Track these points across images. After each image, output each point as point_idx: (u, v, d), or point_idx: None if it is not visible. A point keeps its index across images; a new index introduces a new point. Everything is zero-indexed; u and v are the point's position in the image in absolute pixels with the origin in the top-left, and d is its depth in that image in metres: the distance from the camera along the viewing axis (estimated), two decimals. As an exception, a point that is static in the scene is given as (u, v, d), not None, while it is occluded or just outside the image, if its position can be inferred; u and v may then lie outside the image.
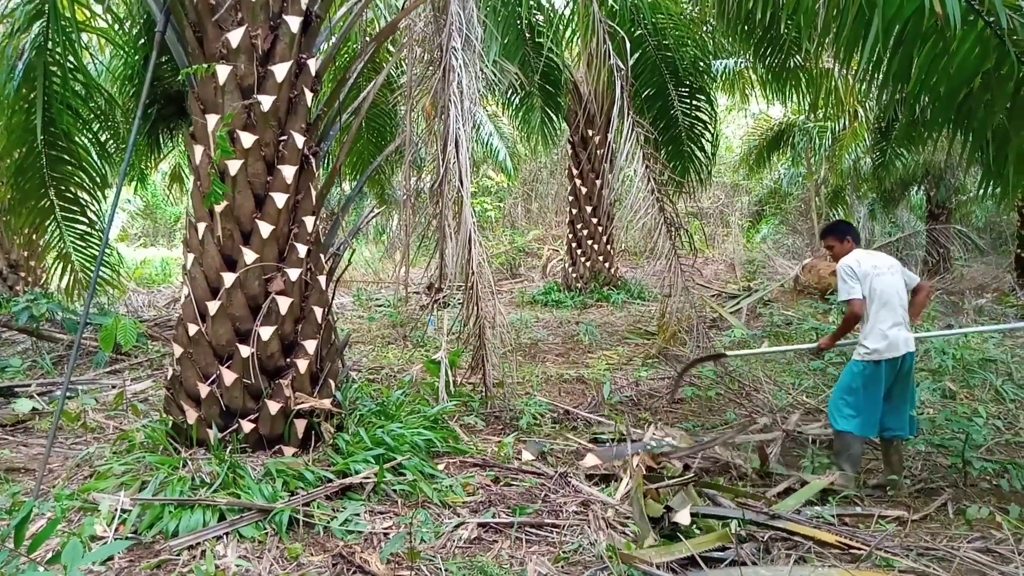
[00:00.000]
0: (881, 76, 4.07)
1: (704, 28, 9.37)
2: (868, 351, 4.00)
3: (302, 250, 4.06)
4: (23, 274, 10.20)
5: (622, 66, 5.60)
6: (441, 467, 4.19)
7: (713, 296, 11.39)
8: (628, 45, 6.04)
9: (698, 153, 9.07)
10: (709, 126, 9.06)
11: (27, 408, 5.18)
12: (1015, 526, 3.43)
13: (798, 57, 7.23)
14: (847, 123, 11.62)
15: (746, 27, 5.88)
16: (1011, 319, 9.43)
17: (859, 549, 3.14)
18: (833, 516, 3.55)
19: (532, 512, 3.64)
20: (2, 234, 9.99)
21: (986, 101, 3.69)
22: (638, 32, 8.31)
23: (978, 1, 3.43)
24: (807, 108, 10.54)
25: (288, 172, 3.96)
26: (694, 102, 8.85)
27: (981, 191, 4.43)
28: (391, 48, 7.15)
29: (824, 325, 8.29)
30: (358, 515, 3.48)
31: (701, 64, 8.79)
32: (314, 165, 4.21)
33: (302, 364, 4.06)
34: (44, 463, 3.71)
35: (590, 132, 11.56)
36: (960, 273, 14.57)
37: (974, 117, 3.84)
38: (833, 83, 8.67)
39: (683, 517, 3.37)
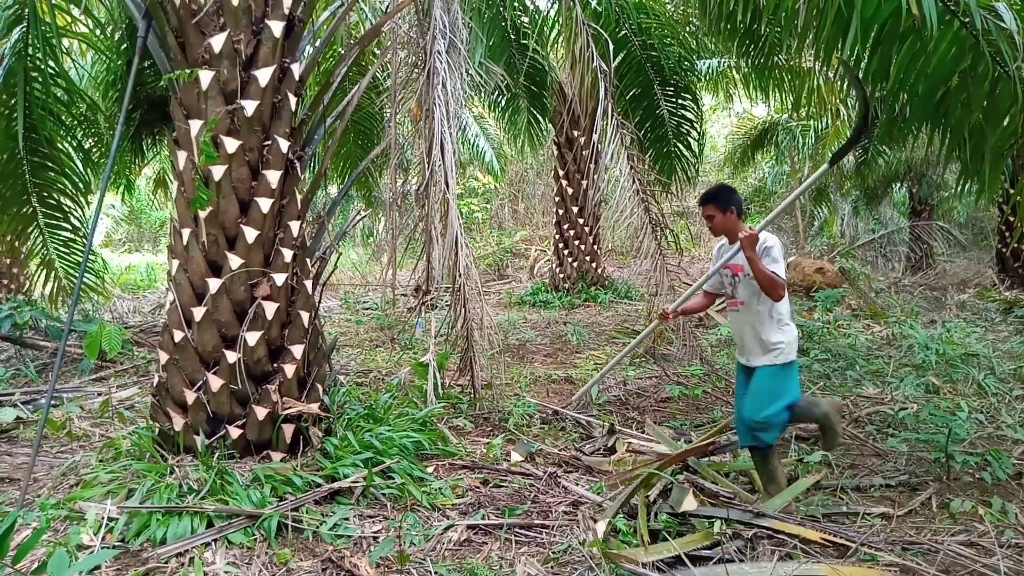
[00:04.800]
0: (861, 75, 4.12)
1: (688, 28, 9.44)
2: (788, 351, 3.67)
3: (288, 255, 4.06)
4: (6, 281, 10.12)
5: (606, 68, 5.63)
6: (430, 470, 4.20)
7: (700, 295, 11.43)
8: (612, 47, 6.08)
9: (685, 152, 9.13)
10: (695, 125, 9.12)
11: (11, 417, 5.13)
12: (997, 519, 3.48)
13: (781, 56, 7.30)
14: (829, 121, 11.73)
15: (728, 26, 5.92)
16: (993, 314, 9.55)
17: (845, 545, 3.18)
18: (819, 513, 3.58)
19: (521, 513, 3.65)
20: (-16, 241, 9.91)
21: (963, 100, 3.75)
22: (622, 33, 8.35)
23: (954, 2, 3.48)
24: (790, 107, 10.65)
25: (273, 177, 3.96)
26: (680, 101, 8.90)
27: (960, 188, 4.48)
28: (376, 51, 7.16)
29: (809, 322, 8.35)
30: (347, 519, 3.48)
31: (686, 63, 8.84)
32: (299, 169, 4.20)
33: (289, 369, 4.05)
34: (29, 472, 3.68)
35: (575, 133, 11.61)
36: (943, 269, 14.75)
37: (951, 115, 3.89)
38: (815, 82, 8.76)
39: (689, 504, 3.43)
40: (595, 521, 3.40)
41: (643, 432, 5.01)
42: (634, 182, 5.78)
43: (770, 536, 3.27)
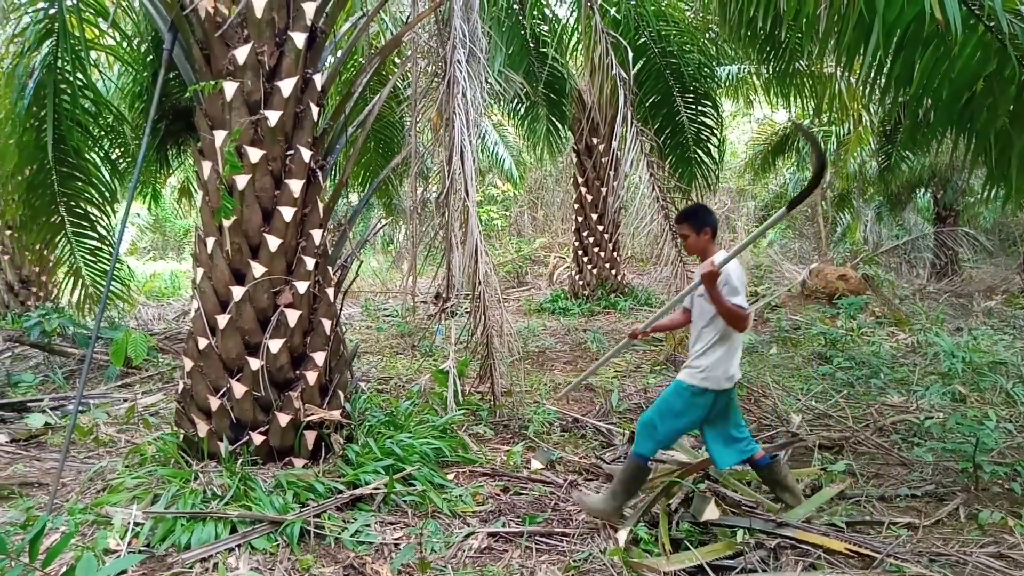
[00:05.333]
0: (883, 80, 4.08)
1: (707, 34, 9.41)
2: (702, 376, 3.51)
3: (310, 263, 4.10)
4: (34, 289, 10.31)
5: (625, 76, 5.63)
6: (451, 477, 4.21)
7: (721, 302, 11.36)
8: (631, 54, 6.07)
9: (704, 158, 9.09)
10: (715, 131, 9.08)
11: (40, 423, 5.23)
12: (1027, 530, 3.42)
13: (802, 62, 7.25)
14: (851, 127, 11.62)
15: (748, 32, 5.90)
16: (1021, 321, 9.38)
17: (870, 556, 3.14)
18: (842, 523, 3.54)
19: (542, 521, 3.65)
20: (14, 250, 10.12)
21: (988, 104, 3.69)
22: (641, 40, 8.34)
23: (979, 6, 3.44)
24: (811, 112, 10.57)
25: (295, 186, 4.00)
26: (700, 107, 8.87)
27: (986, 193, 4.42)
28: (396, 60, 7.22)
29: (832, 330, 8.27)
30: (368, 526, 3.50)
31: (706, 70, 8.82)
32: (321, 178, 4.25)
33: (311, 376, 4.08)
34: (57, 477, 3.74)
35: (595, 140, 11.60)
36: (969, 275, 14.53)
37: (977, 120, 3.84)
38: (837, 87, 8.68)
39: (711, 513, 3.39)
40: (616, 530, 3.38)
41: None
42: (654, 189, 5.77)
43: (793, 546, 3.24)
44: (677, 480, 3.75)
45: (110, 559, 3.11)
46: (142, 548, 3.23)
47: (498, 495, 4.04)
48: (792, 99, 8.73)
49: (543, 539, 3.45)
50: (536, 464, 4.49)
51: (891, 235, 16.37)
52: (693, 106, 8.85)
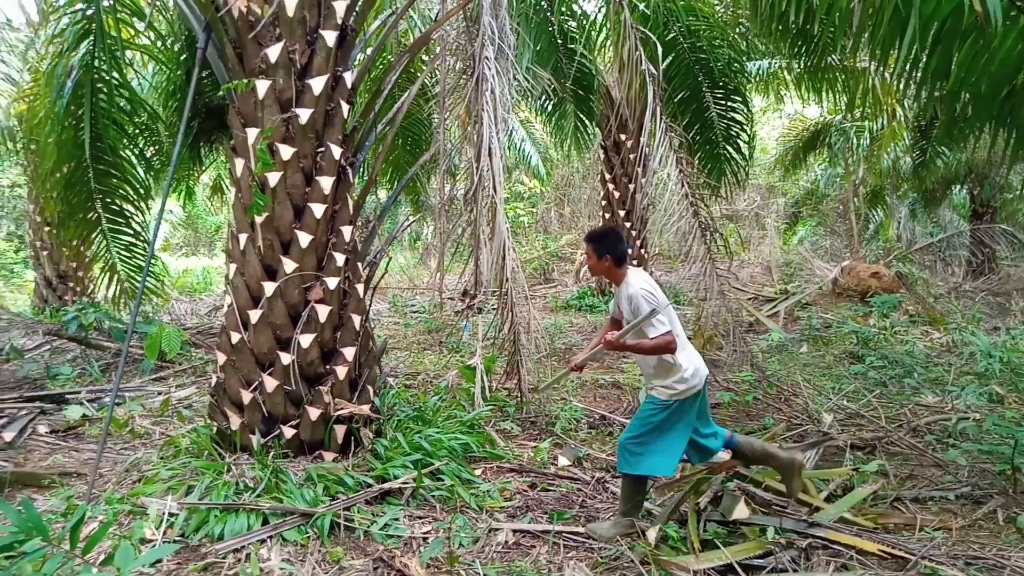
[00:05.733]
0: (919, 74, 4.00)
1: (737, 29, 9.30)
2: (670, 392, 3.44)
3: (340, 259, 4.14)
4: (71, 284, 10.56)
5: (654, 71, 5.58)
6: (478, 472, 4.23)
7: (749, 299, 11.26)
8: (660, 50, 6.01)
9: (734, 155, 8.99)
10: (745, 127, 8.97)
11: (78, 415, 5.35)
12: (1067, 534, 3.34)
13: (834, 56, 7.13)
14: (885, 122, 11.40)
15: (780, 27, 5.82)
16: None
17: (904, 558, 3.09)
18: (875, 524, 3.48)
19: (569, 518, 3.65)
20: (52, 246, 10.37)
21: (1030, 98, 3.61)
22: (671, 36, 8.27)
23: (1020, -3, 3.36)
24: (844, 107, 10.39)
25: (326, 183, 4.04)
26: (729, 103, 8.77)
27: (1026, 190, 4.31)
28: (424, 57, 7.25)
29: (864, 328, 8.14)
30: (397, 520, 3.53)
31: (736, 65, 8.71)
32: (351, 175, 4.29)
33: (341, 371, 4.13)
34: (95, 468, 3.83)
35: (622, 136, 11.54)
36: (1007, 273, 14.19)
37: (1018, 114, 3.75)
38: (870, 82, 8.54)
39: (740, 512, 3.37)
40: (645, 528, 3.37)
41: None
42: (683, 185, 5.72)
43: (825, 546, 3.20)
44: (706, 478, 3.72)
45: (146, 548, 3.18)
46: (177, 538, 3.30)
47: (525, 491, 4.05)
48: (824, 94, 8.61)
49: (571, 535, 3.45)
50: (563, 460, 4.49)
51: (925, 232, 16.04)
52: (723, 102, 8.75)
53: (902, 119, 10.91)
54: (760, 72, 10.86)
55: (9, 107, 8.82)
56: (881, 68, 4.68)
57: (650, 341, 3.31)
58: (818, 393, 6.01)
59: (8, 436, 4.83)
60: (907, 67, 3.98)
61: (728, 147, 8.94)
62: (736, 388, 6.21)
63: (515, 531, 3.49)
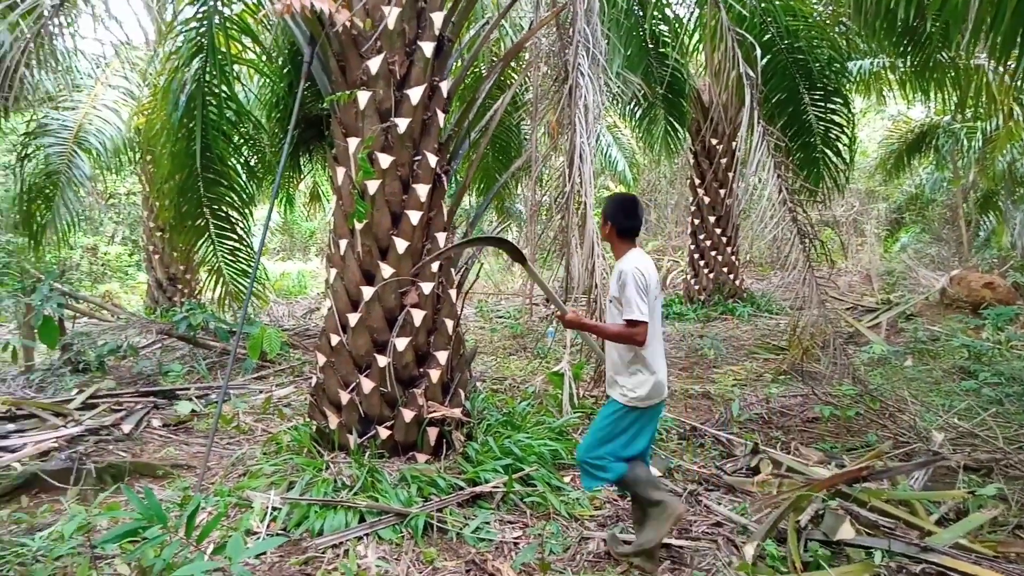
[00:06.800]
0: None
1: (837, 28, 8.94)
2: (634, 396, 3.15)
3: (435, 265, 4.22)
4: (180, 286, 11.22)
5: (751, 73, 5.43)
6: (567, 479, 4.21)
7: (848, 309, 10.77)
8: (758, 51, 5.84)
9: (833, 158, 8.63)
10: (845, 129, 8.60)
11: (187, 410, 5.67)
12: None
13: (944, 54, 6.75)
14: (1001, 122, 10.68)
15: (885, 24, 5.56)
16: None
17: (1028, 589, 2.87)
18: (995, 552, 3.25)
19: (662, 529, 3.58)
20: (163, 250, 11.06)
21: None
22: (767, 36, 8.03)
23: None
24: (953, 107, 9.81)
25: (422, 191, 4.14)
26: (829, 105, 8.42)
27: None
28: (513, 65, 7.31)
29: (976, 342, 7.63)
30: (488, 523, 3.56)
31: (836, 65, 8.36)
32: (445, 183, 4.37)
33: (434, 374, 4.20)
34: (205, 462, 4.05)
35: (713, 141, 11.29)
36: None
37: None
38: (984, 80, 8.03)
39: (845, 532, 3.23)
40: (742, 544, 3.26)
41: (789, 453, 4.77)
42: (781, 191, 5.53)
43: (941, 574, 3.01)
44: (806, 494, 3.58)
45: (251, 540, 3.33)
46: (279, 531, 3.44)
47: (615, 500, 4.01)
48: (932, 94, 8.17)
49: (662, 547, 3.38)
50: (653, 471, 4.41)
51: (1045, 240, 14.90)
52: (821, 103, 8.42)
53: (1020, 118, 10.20)
54: (861, 72, 10.41)
55: (130, 120, 9.45)
56: (999, 65, 4.38)
57: (616, 326, 3.09)
58: (927, 410, 5.68)
59: (127, 427, 5.17)
60: (1032, 63, 3.73)
61: (827, 150, 8.57)
62: (836, 402, 5.94)
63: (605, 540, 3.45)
